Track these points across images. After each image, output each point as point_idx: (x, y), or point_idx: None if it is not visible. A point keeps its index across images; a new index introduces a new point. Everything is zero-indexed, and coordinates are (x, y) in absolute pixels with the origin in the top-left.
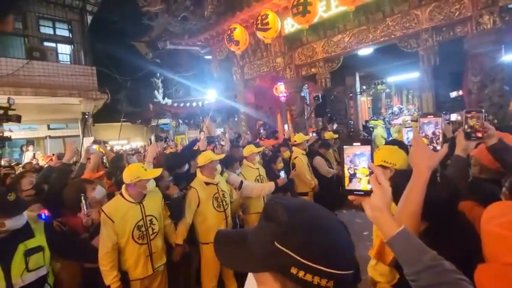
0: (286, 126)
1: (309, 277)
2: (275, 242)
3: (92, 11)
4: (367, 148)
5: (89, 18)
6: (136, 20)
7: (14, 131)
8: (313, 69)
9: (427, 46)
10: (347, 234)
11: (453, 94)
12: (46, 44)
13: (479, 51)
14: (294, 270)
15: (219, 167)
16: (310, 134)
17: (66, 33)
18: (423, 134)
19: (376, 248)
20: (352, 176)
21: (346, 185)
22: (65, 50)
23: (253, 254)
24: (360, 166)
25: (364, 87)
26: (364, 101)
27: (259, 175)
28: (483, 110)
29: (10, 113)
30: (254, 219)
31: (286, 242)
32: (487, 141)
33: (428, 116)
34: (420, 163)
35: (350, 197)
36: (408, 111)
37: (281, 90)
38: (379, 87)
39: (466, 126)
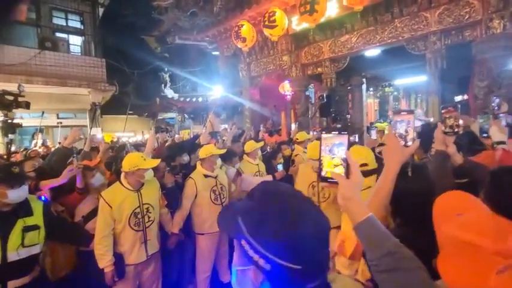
0: (293, 126)
1: (250, 252)
2: (238, 216)
3: (103, 3)
4: (345, 138)
5: (101, 11)
6: (147, 14)
7: (25, 119)
8: (319, 69)
9: (435, 49)
10: (310, 232)
11: (458, 98)
12: (58, 34)
13: (487, 56)
14: (242, 242)
15: (219, 161)
16: (311, 133)
17: (78, 24)
18: (396, 132)
19: (338, 241)
20: (335, 165)
21: (322, 173)
22: (76, 41)
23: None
24: (337, 155)
25: (371, 88)
26: (370, 103)
27: (259, 171)
28: (459, 106)
29: (20, 99)
30: None
31: (245, 217)
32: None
33: (402, 113)
34: (391, 157)
35: (323, 184)
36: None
37: (287, 88)
38: (386, 89)
39: (444, 123)
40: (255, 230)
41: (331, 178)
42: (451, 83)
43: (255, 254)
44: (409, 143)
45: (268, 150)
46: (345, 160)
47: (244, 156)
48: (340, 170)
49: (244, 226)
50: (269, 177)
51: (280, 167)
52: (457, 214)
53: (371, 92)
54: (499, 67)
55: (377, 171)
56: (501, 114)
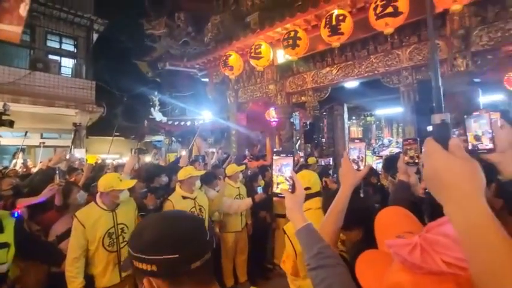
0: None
1: (137, 264)
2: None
3: (98, 29)
4: (290, 159)
5: (95, 36)
6: (140, 40)
7: (6, 138)
8: (303, 98)
9: (407, 83)
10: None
11: (429, 128)
12: (50, 56)
13: (454, 91)
14: (134, 262)
15: (198, 183)
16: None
17: (71, 48)
18: (350, 157)
19: (283, 258)
20: (279, 182)
21: (274, 189)
22: (67, 64)
23: None
24: (285, 174)
25: (353, 117)
26: (354, 131)
27: (239, 194)
28: (418, 139)
29: (4, 118)
30: (230, 237)
31: (129, 244)
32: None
33: (355, 141)
34: (346, 179)
35: (275, 199)
36: (397, 144)
37: (272, 115)
38: (368, 118)
39: (405, 154)
40: (136, 247)
41: (280, 193)
42: (424, 114)
43: (142, 263)
44: (361, 168)
45: (249, 173)
46: (291, 178)
47: (226, 179)
48: (286, 187)
49: (131, 249)
50: (248, 200)
51: (260, 190)
52: (396, 236)
53: (354, 121)
54: (466, 101)
55: (319, 194)
56: None
